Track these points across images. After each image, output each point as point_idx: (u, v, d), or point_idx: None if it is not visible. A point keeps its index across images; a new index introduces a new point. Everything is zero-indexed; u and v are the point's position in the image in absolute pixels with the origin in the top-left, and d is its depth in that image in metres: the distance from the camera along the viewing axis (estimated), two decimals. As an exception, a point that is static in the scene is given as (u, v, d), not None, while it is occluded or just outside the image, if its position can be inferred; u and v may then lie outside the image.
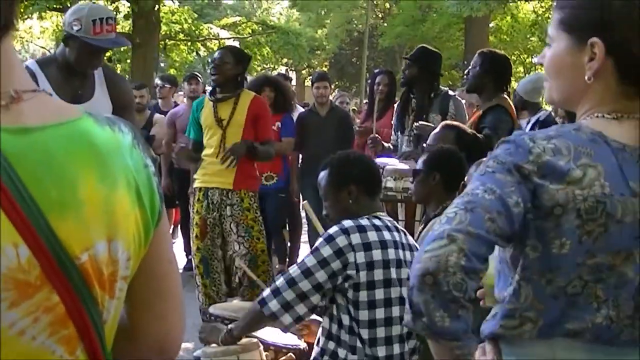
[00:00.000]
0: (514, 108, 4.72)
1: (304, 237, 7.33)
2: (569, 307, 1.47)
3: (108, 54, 7.26)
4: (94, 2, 7.80)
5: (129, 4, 15.54)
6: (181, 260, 7.01)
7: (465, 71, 4.79)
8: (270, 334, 3.15)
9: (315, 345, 2.86)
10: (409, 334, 2.77)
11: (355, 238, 2.72)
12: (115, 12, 11.27)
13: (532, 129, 5.44)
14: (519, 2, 18.79)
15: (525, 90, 5.94)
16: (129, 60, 16.79)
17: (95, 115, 1.06)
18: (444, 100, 5.20)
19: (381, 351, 2.73)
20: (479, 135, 4.21)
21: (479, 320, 1.59)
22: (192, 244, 5.19)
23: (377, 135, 5.69)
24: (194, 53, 22.06)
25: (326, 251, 2.70)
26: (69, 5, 14.24)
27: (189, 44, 21.47)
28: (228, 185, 4.98)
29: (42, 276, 0.93)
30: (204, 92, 6.87)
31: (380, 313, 2.73)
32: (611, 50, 1.46)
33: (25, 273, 0.92)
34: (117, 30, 3.88)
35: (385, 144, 5.58)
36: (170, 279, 1.15)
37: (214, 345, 2.98)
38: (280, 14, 31.41)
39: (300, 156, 7.01)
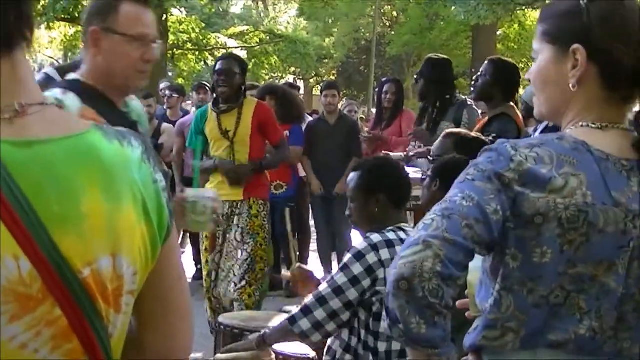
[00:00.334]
0: (521, 117, 4.71)
1: (313, 245, 7.33)
2: (551, 317, 1.45)
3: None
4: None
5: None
6: (190, 269, 7.02)
7: (474, 78, 4.77)
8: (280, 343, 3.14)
9: (325, 355, 2.85)
10: None
11: (385, 254, 2.70)
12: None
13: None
14: (526, 10, 18.75)
15: (531, 97, 5.90)
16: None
17: (105, 129, 1.05)
18: (459, 109, 5.20)
19: None
20: (482, 137, 4.19)
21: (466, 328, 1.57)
22: (202, 256, 5.19)
23: (372, 133, 5.73)
24: (202, 62, 22.16)
25: (356, 269, 2.69)
26: (77, 15, 14.32)
27: (197, 53, 21.58)
28: (238, 196, 4.99)
29: (44, 289, 0.92)
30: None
31: None
32: (593, 57, 1.47)
33: (27, 286, 0.91)
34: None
35: (391, 153, 5.60)
36: (178, 294, 1.13)
37: (226, 355, 2.98)
38: (288, 23, 31.50)
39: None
